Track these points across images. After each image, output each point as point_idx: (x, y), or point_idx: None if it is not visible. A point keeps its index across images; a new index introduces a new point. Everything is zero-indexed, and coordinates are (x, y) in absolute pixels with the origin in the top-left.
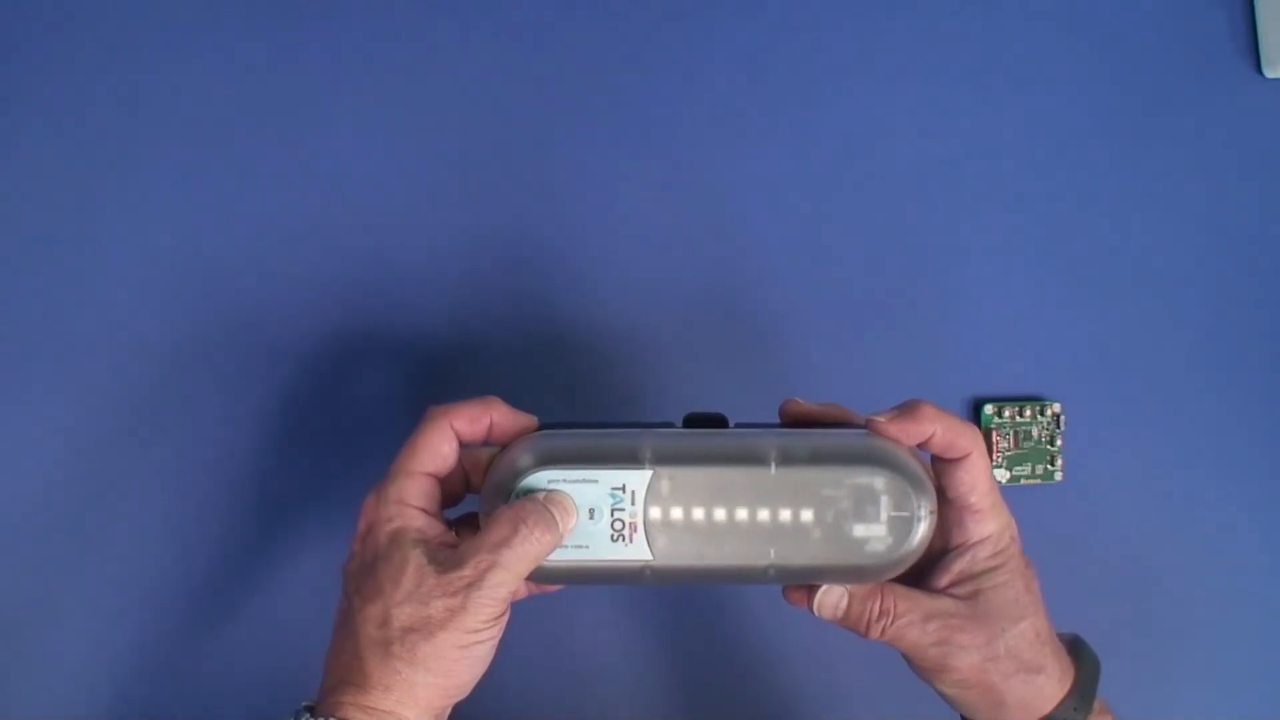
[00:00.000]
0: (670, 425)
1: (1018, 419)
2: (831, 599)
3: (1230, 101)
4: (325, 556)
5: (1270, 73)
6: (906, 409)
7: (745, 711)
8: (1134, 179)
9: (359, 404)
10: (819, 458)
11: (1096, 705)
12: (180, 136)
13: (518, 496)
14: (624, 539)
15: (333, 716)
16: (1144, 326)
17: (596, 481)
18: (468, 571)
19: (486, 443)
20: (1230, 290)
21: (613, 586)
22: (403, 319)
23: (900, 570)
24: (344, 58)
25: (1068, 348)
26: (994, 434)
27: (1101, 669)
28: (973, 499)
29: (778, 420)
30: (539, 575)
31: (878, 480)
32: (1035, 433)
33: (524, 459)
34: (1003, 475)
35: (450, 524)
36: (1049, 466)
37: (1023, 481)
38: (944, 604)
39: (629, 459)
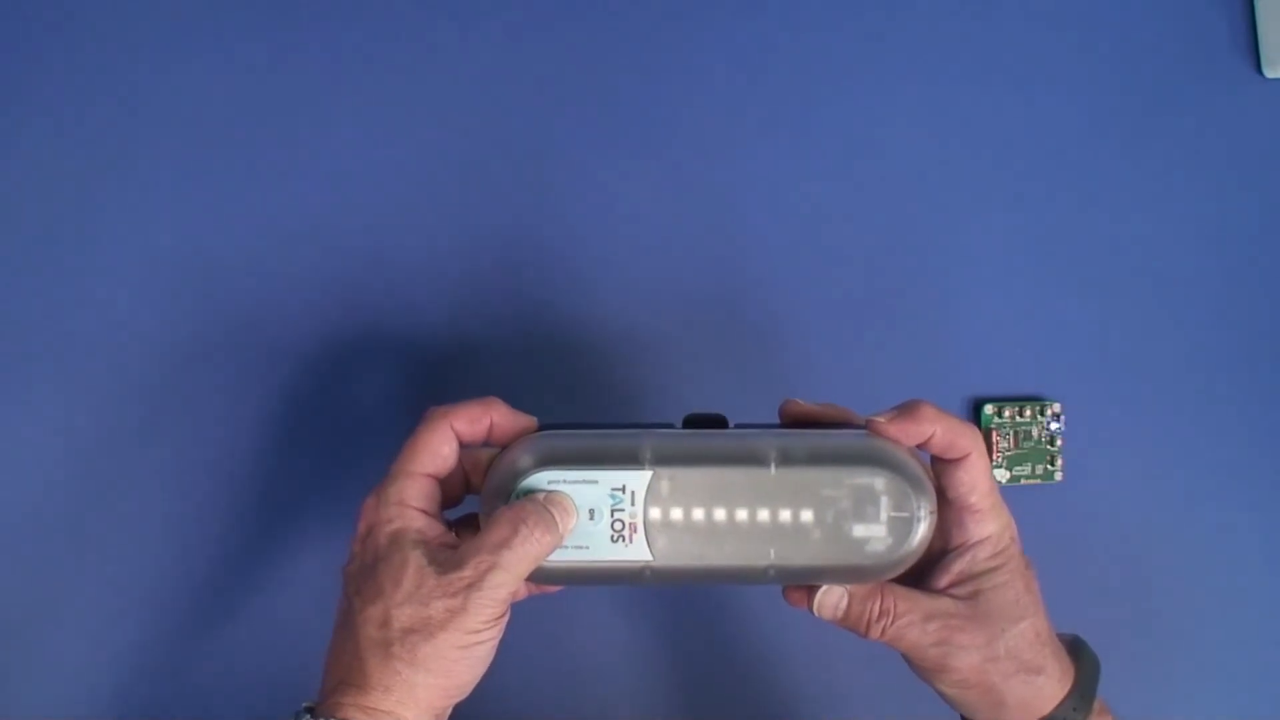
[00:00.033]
0: (670, 426)
1: (1018, 419)
2: (831, 599)
3: (1230, 101)
4: (325, 557)
5: (1270, 73)
6: (906, 409)
7: (745, 711)
8: (1134, 179)
9: (359, 404)
10: (819, 458)
11: (1096, 705)
12: (180, 136)
13: (518, 497)
14: (624, 539)
15: (333, 717)
16: (1144, 326)
17: (596, 482)
18: (468, 572)
19: (486, 443)
20: (1230, 290)
21: (613, 587)
22: (403, 319)
23: (900, 570)
24: (344, 58)
25: (1068, 348)
26: (994, 434)
27: (1101, 669)
28: (972, 499)
29: (777, 421)
30: (539, 576)
31: (877, 481)
32: (1035, 433)
33: (524, 460)
34: (1003, 475)
35: (450, 525)
36: (1049, 466)
37: (1023, 481)
38: (944, 604)
39: (629, 460)
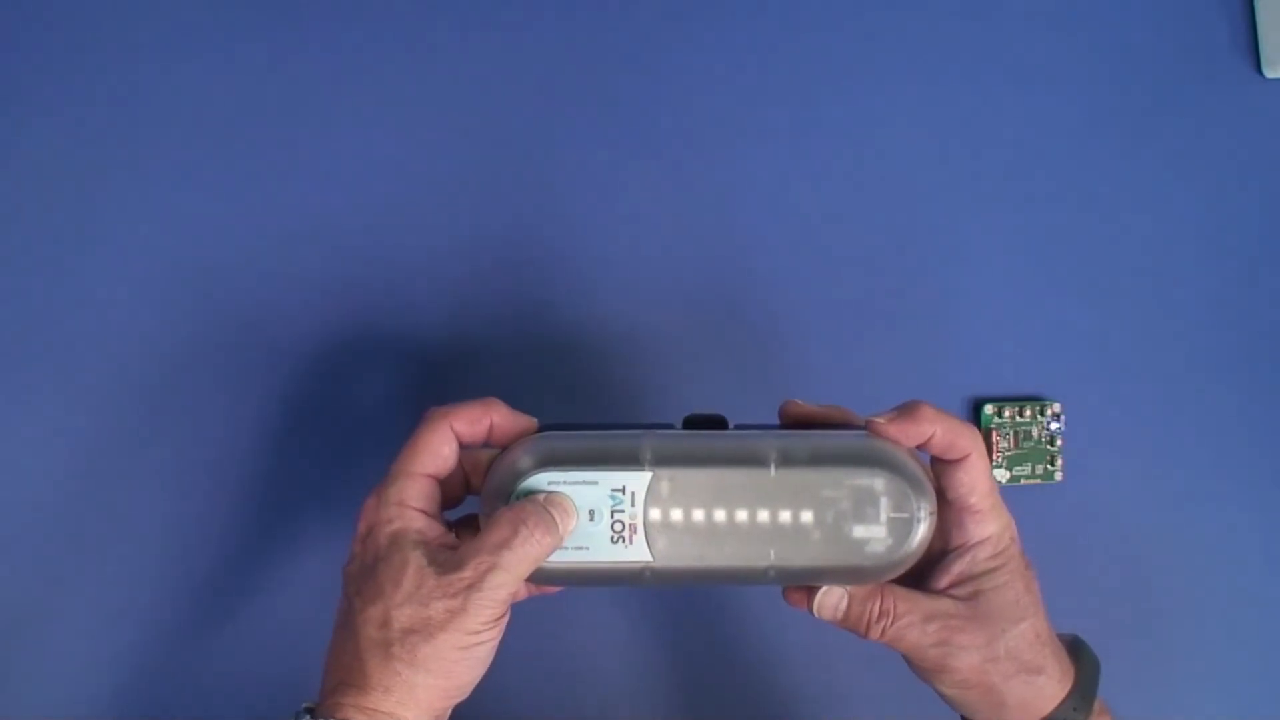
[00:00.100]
0: (670, 426)
1: (1018, 419)
2: (831, 600)
3: (1230, 101)
4: (325, 557)
5: (1270, 73)
6: (906, 410)
7: (745, 711)
8: (1134, 179)
9: (359, 405)
10: (819, 459)
11: (1096, 706)
12: (180, 136)
13: (518, 498)
14: (624, 540)
15: (333, 718)
16: (1144, 326)
17: (596, 483)
18: (468, 573)
19: (487, 444)
20: (1230, 290)
21: (612, 588)
22: (403, 319)
23: (900, 571)
24: (344, 58)
25: (1068, 348)
26: (994, 434)
27: (1101, 669)
28: (972, 500)
29: (777, 421)
30: (539, 577)
31: (877, 481)
32: (1035, 433)
33: (524, 460)
34: (1003, 475)
35: (450, 525)
36: (1049, 466)
37: (1023, 481)
38: (944, 605)
39: (629, 460)
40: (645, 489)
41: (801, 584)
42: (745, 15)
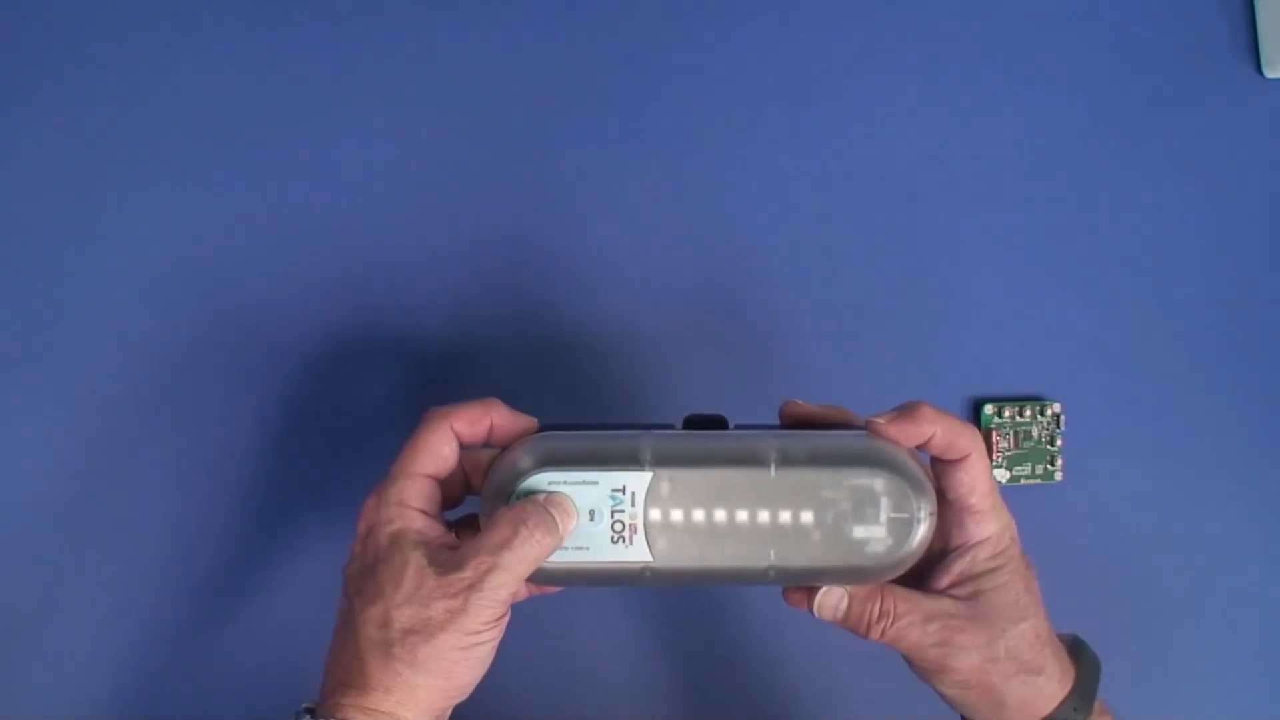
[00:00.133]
0: (670, 427)
1: (1018, 419)
2: (831, 600)
3: (1230, 101)
4: (325, 557)
5: (1270, 73)
6: (906, 410)
7: (745, 711)
8: (1134, 179)
9: (359, 405)
10: (819, 459)
11: (1097, 706)
12: (180, 136)
13: (518, 498)
14: (624, 540)
15: (333, 718)
16: (1144, 326)
17: (597, 483)
18: (468, 573)
19: (487, 444)
20: (1230, 290)
21: (613, 588)
22: (403, 320)
23: (900, 571)
24: (344, 58)
25: (1068, 348)
26: (994, 434)
27: (1101, 669)
28: (972, 500)
29: (777, 421)
30: (539, 577)
31: (877, 482)
32: (1035, 433)
33: (524, 460)
34: (1003, 475)
35: (450, 525)
36: (1049, 466)
37: (1023, 481)
38: (944, 605)
39: (629, 460)
40: (645, 489)
41: (802, 584)
42: (745, 15)
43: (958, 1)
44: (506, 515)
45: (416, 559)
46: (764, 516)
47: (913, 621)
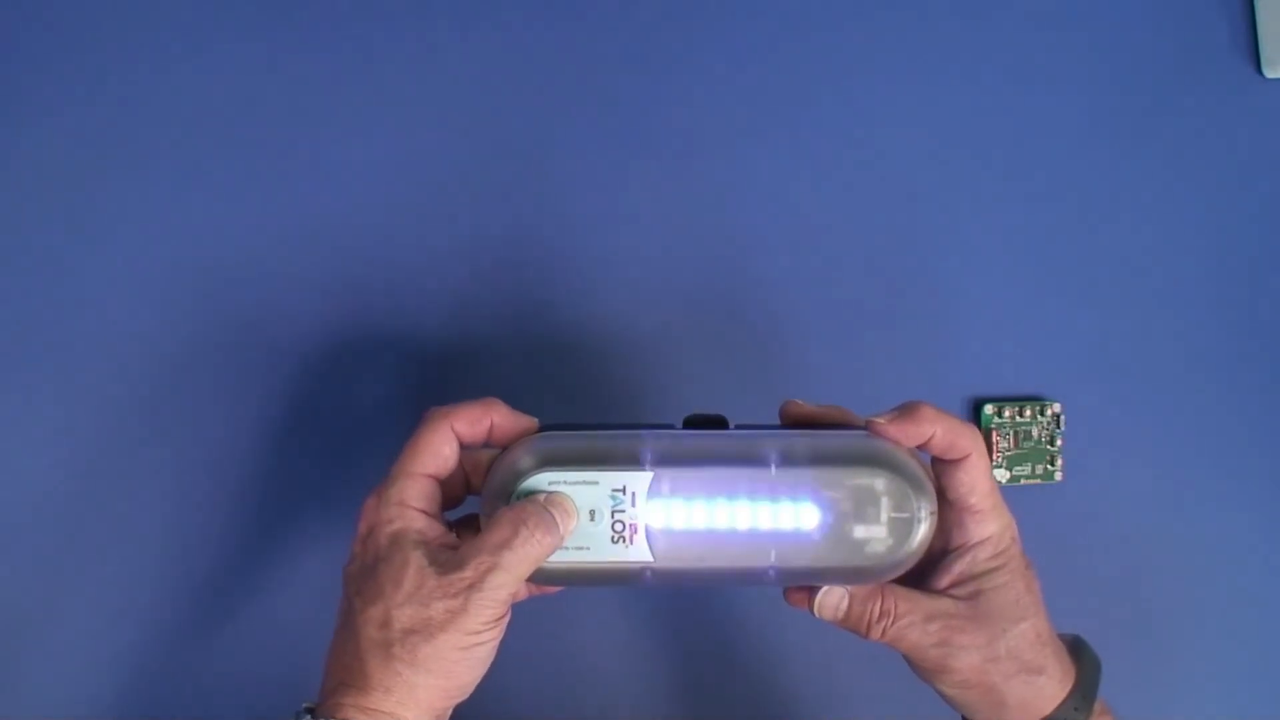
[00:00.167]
0: (671, 427)
1: (1018, 419)
2: (832, 600)
3: (1230, 101)
4: (326, 558)
5: (1270, 73)
6: (906, 410)
7: (745, 711)
8: (1134, 179)
9: (360, 405)
10: (819, 459)
11: (1098, 706)
12: (180, 137)
13: (518, 498)
14: (624, 540)
15: (333, 718)
16: (1144, 327)
17: (597, 483)
18: (468, 573)
19: (487, 444)
20: (1230, 290)
21: (613, 588)
22: (403, 320)
23: (901, 571)
24: (344, 58)
25: (1068, 348)
26: (994, 434)
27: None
28: (973, 500)
29: (778, 421)
30: (539, 577)
31: (878, 481)
32: (1035, 433)
33: (525, 460)
34: (1003, 475)
35: (451, 525)
36: (1049, 466)
37: (1023, 481)
38: (945, 605)
39: (629, 460)
40: (646, 489)
41: (802, 584)
42: (745, 15)
43: (957, 1)
44: (507, 515)
45: (417, 559)
46: (764, 516)
47: (913, 621)
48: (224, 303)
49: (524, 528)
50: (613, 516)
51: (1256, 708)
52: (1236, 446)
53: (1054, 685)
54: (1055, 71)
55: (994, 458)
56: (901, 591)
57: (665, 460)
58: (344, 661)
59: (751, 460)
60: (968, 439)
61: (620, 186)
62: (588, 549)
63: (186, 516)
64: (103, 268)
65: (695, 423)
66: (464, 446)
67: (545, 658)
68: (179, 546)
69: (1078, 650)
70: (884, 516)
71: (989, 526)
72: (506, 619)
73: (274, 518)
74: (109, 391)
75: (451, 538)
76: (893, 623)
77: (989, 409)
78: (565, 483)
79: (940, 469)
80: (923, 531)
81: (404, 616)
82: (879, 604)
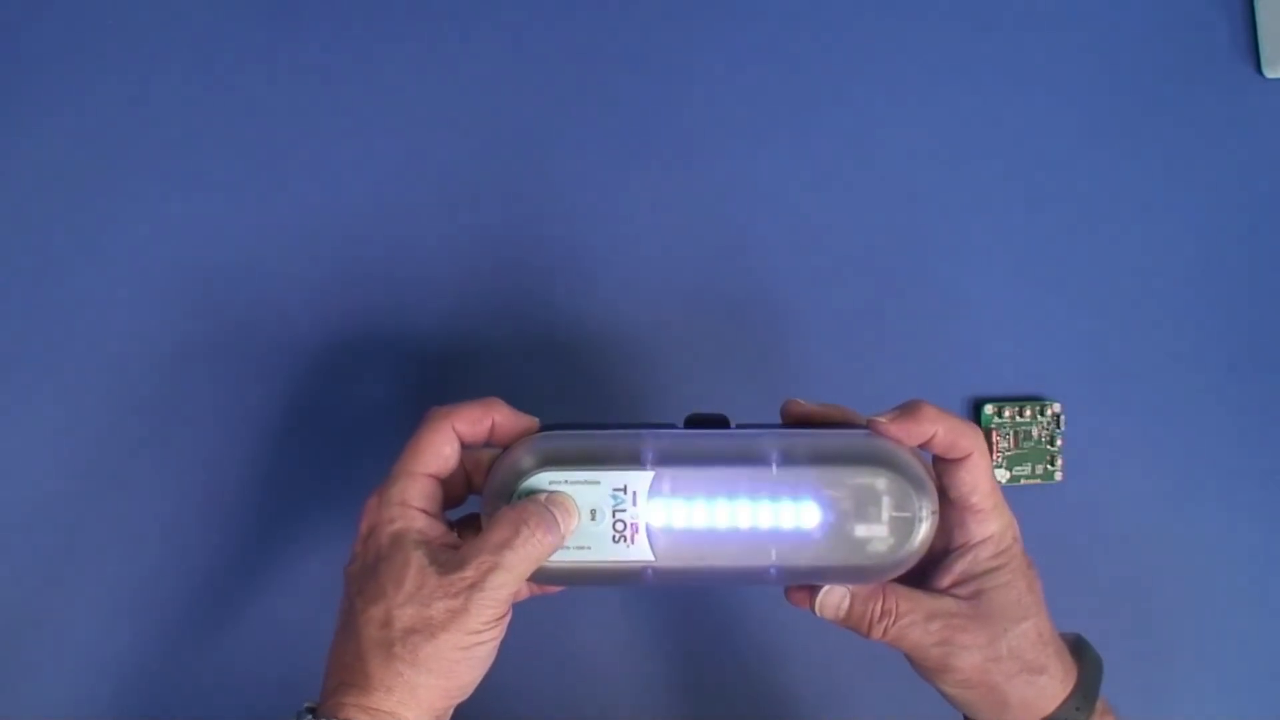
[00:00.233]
0: (672, 426)
1: (1018, 419)
2: (833, 599)
3: (1230, 101)
4: (327, 558)
5: (1270, 73)
6: (907, 409)
7: (745, 711)
8: (1133, 179)
9: (361, 405)
10: (820, 458)
11: (1099, 705)
12: (180, 137)
13: (519, 498)
14: (625, 540)
15: (334, 717)
16: (1144, 327)
17: (598, 482)
18: (469, 573)
19: (488, 444)
20: (1230, 290)
21: (614, 587)
22: (404, 321)
23: (902, 570)
24: (344, 57)
25: (1068, 348)
26: (994, 434)
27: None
28: (974, 499)
29: (779, 421)
30: (541, 576)
31: (879, 481)
32: (1035, 433)
33: (526, 460)
34: (1003, 475)
35: (452, 525)
36: (1049, 466)
37: (1023, 481)
38: (946, 604)
39: (630, 460)
40: (647, 488)
41: (803, 583)
42: (746, 16)
43: (957, 3)
44: (508, 515)
45: (418, 558)
46: (765, 515)
47: (915, 620)
48: (224, 303)
49: (525, 527)
50: (614, 516)
51: (1256, 708)
52: (1236, 446)
53: (1056, 685)
54: (1055, 72)
55: (994, 458)
56: (903, 591)
57: (666, 460)
58: (345, 661)
59: (753, 459)
60: (969, 438)
61: (621, 186)
62: (589, 548)
63: (186, 516)
64: (102, 268)
65: (696, 422)
66: (465, 446)
67: (545, 658)
68: (179, 547)
69: (1079, 650)
70: (885, 516)
71: (990, 526)
72: (508, 619)
73: (274, 518)
74: (109, 391)
75: (453, 537)
76: (894, 622)
77: (989, 409)
78: (566, 482)
79: (942, 468)
80: (924, 531)
81: (405, 616)
82: (880, 603)
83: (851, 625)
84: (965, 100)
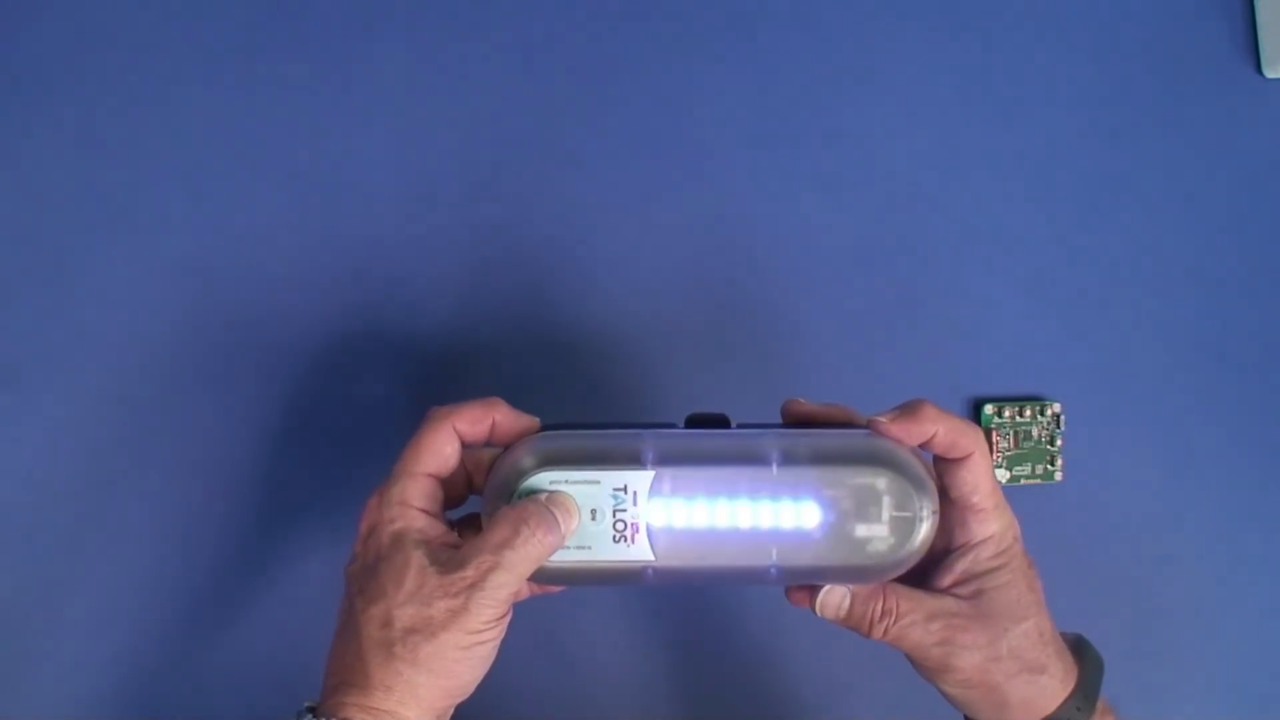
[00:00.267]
0: (672, 426)
1: (1018, 419)
2: (834, 599)
3: (1230, 101)
4: (326, 557)
5: (1270, 73)
6: (908, 409)
7: (745, 711)
8: (1133, 179)
9: (361, 405)
10: (821, 458)
11: (1100, 705)
12: (180, 136)
13: (520, 497)
14: (626, 540)
15: (335, 717)
16: (1144, 327)
17: (598, 482)
18: (470, 572)
19: (489, 444)
20: (1231, 290)
21: (614, 587)
22: (405, 320)
23: (902, 570)
24: (345, 57)
25: (1068, 348)
26: (994, 434)
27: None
28: (975, 499)
29: (780, 420)
30: (541, 576)
31: (880, 480)
32: (1035, 433)
33: (526, 460)
34: (1003, 475)
35: (453, 525)
36: (1049, 466)
37: (1023, 481)
38: (947, 604)
39: (631, 459)
40: (647, 488)
41: (804, 583)
42: (748, 18)
43: (957, 4)
44: (508, 514)
45: (418, 558)
46: (766, 515)
47: (915, 620)
48: (224, 303)
49: (525, 527)
50: (614, 516)
51: (1256, 708)
52: (1236, 446)
53: (1056, 684)
54: (1055, 72)
55: (994, 458)
56: (903, 590)
57: (667, 459)
58: (345, 661)
59: (753, 459)
60: (970, 438)
61: (623, 186)
62: (589, 548)
63: (187, 516)
64: (102, 268)
65: (697, 422)
66: (466, 446)
67: (545, 658)
68: (179, 546)
69: (1080, 649)
70: (886, 515)
71: (991, 525)
72: (508, 618)
73: (275, 517)
74: (109, 392)
75: (453, 537)
76: (895, 622)
77: (989, 409)
78: (567, 482)
79: (942, 468)
80: (924, 530)
81: (405, 616)
82: (881, 603)
83: (852, 625)
84: (965, 101)
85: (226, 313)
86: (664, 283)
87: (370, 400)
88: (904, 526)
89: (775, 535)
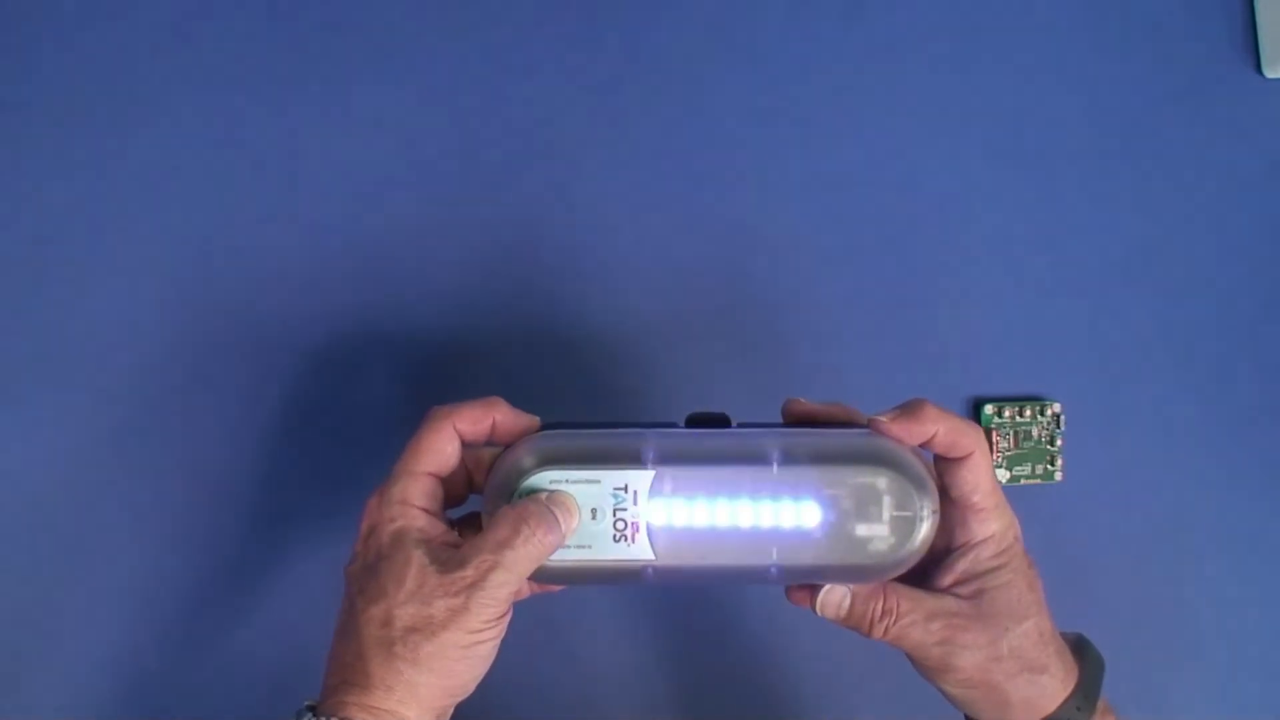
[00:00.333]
0: (673, 425)
1: (1018, 419)
2: (834, 598)
3: (1230, 101)
4: (326, 557)
5: (1270, 73)
6: (909, 408)
7: (745, 711)
8: (1134, 179)
9: (362, 405)
10: (821, 457)
11: (1100, 705)
12: (181, 135)
13: (520, 497)
14: (626, 539)
15: (335, 716)
16: (1144, 327)
17: (599, 481)
18: (470, 572)
19: (489, 443)
20: (1230, 290)
21: (615, 586)
22: (405, 320)
23: (903, 570)
24: (344, 56)
25: (1068, 348)
26: (994, 434)
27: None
28: (976, 498)
29: (780, 420)
30: (541, 575)
31: (880, 480)
32: (1035, 433)
33: (526, 459)
34: (1003, 475)
35: (453, 524)
36: (1049, 466)
37: (1023, 481)
38: (947, 603)
39: (631, 459)
40: (648, 487)
41: (804, 583)
42: (746, 15)
43: (958, 3)
44: (509, 514)
45: (419, 557)
46: (766, 515)
47: (915, 620)
48: (224, 302)
49: (525, 526)
50: (614, 515)
51: (1256, 708)
52: (1236, 446)
53: (1057, 684)
54: (1055, 72)
55: (994, 457)
56: (904, 590)
57: (667, 459)
58: (346, 660)
59: (753, 459)
60: (970, 437)
61: (623, 185)
62: (589, 547)
63: (186, 516)
64: (102, 268)
65: (697, 421)
66: (466, 445)
67: (546, 657)
68: (179, 546)
69: (1080, 649)
70: (886, 515)
71: (992, 525)
72: (508, 618)
73: (275, 517)
74: (109, 391)
75: (453, 536)
76: (895, 621)
77: (989, 409)
78: (567, 481)
79: (943, 467)
80: (925, 530)
81: (406, 615)
82: (881, 602)
83: (852, 625)
84: (965, 100)
85: (226, 313)
86: (664, 282)
87: (370, 400)
88: (904, 526)
89: (775, 535)
